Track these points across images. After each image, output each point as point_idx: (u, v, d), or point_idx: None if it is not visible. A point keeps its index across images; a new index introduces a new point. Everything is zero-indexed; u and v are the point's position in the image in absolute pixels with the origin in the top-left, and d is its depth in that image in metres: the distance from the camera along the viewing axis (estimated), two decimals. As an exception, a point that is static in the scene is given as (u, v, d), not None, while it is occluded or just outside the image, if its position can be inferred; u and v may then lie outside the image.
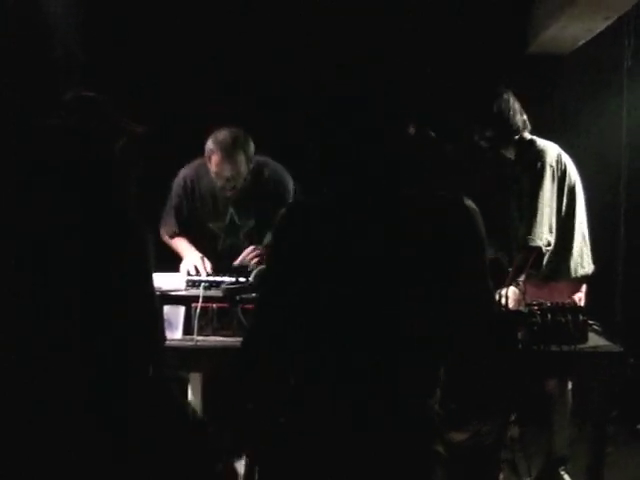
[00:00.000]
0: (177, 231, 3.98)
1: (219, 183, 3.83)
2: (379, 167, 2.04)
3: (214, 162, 3.77)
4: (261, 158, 3.94)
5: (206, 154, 3.80)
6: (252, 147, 3.81)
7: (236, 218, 3.97)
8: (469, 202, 2.03)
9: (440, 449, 2.01)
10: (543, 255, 3.64)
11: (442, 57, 4.56)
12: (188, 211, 3.98)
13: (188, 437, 2.36)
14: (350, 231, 2.00)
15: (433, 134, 2.24)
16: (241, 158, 3.76)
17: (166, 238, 4.01)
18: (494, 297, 2.06)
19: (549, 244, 3.64)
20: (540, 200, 3.64)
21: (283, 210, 2.12)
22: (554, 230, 3.66)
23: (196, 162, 3.98)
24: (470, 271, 2.02)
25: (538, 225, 3.62)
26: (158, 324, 2.34)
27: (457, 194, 2.04)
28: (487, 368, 2.16)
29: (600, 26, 4.38)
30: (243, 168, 3.79)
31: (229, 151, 3.73)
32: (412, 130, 2.06)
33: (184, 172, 4.01)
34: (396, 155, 2.05)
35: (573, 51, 4.83)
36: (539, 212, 3.63)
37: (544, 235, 3.62)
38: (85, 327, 2.14)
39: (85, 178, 2.21)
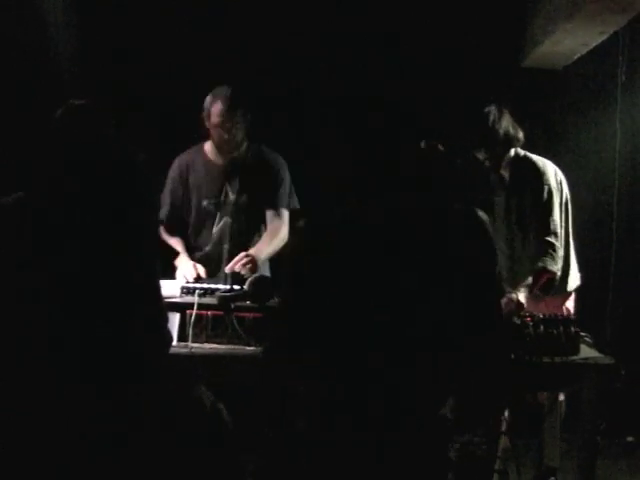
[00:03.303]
0: (168, 217, 3.92)
1: (219, 137, 3.77)
2: (395, 182, 2.08)
3: (214, 112, 3.73)
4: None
5: (205, 109, 3.77)
6: (249, 112, 3.79)
7: (230, 193, 3.90)
8: (481, 213, 2.08)
9: (452, 455, 2.05)
10: (555, 281, 3.63)
11: (436, 71, 4.58)
12: (183, 193, 3.93)
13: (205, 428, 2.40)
14: (367, 245, 2.04)
15: (442, 148, 2.29)
16: (240, 112, 3.74)
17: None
18: (501, 305, 2.13)
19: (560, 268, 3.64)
20: (553, 224, 3.60)
21: (301, 224, 2.15)
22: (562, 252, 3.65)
23: (191, 149, 3.98)
24: (483, 280, 2.07)
25: (558, 250, 3.58)
26: (166, 321, 2.45)
27: (469, 206, 2.08)
28: (496, 377, 2.19)
29: (595, 41, 4.40)
30: (242, 125, 3.76)
31: (229, 100, 3.72)
32: (423, 145, 2.11)
33: (179, 158, 3.98)
34: (410, 170, 2.09)
35: (568, 65, 4.86)
36: (558, 237, 3.60)
37: (560, 261, 3.60)
38: (104, 322, 2.21)
39: (107, 180, 2.28)
